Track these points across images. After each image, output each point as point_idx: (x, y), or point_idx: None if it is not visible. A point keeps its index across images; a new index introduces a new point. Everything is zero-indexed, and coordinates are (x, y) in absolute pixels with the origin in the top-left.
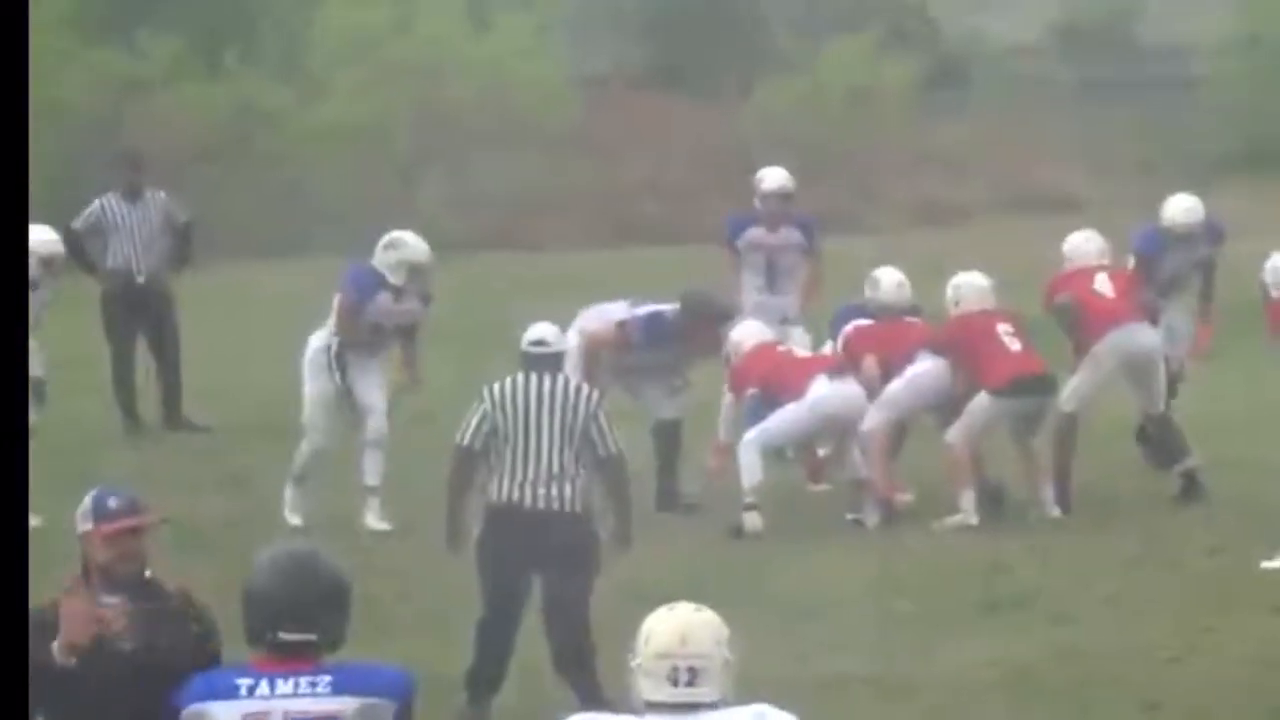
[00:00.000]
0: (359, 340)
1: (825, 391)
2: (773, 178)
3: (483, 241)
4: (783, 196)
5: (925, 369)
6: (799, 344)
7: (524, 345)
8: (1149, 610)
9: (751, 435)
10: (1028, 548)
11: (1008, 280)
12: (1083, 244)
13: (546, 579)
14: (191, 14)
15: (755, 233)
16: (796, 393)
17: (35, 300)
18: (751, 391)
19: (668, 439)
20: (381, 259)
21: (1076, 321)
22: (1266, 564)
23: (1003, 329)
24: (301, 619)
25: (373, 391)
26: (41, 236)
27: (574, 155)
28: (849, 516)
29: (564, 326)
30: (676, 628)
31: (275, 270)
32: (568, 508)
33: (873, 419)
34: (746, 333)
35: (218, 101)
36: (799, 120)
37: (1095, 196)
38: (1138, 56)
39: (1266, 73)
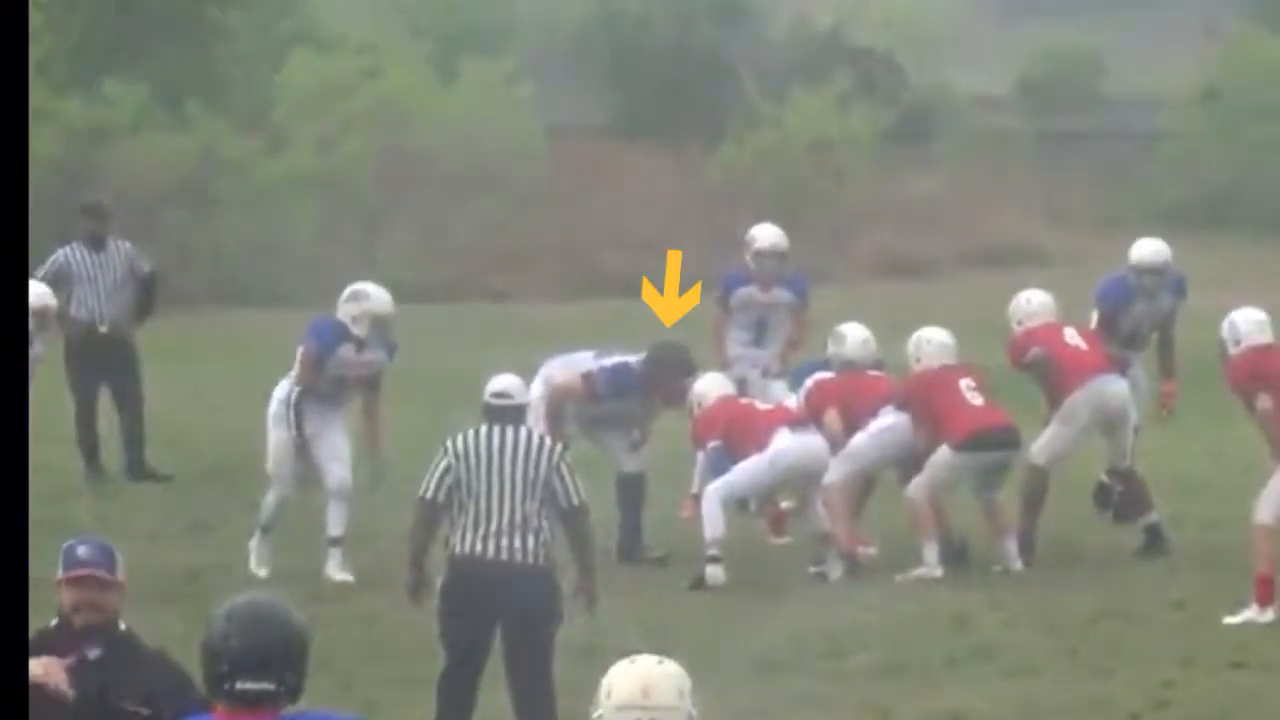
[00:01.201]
0: (321, 391)
1: (787, 444)
2: (765, 236)
3: (447, 291)
4: (776, 256)
5: (889, 423)
6: (780, 398)
7: (486, 397)
8: (1111, 664)
9: (715, 487)
10: (990, 601)
11: (973, 333)
12: (1028, 304)
13: (509, 630)
14: (157, 64)
15: (747, 291)
16: (758, 445)
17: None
18: (714, 444)
19: (630, 492)
20: (344, 310)
21: (1050, 375)
22: (1229, 619)
23: (965, 384)
24: (260, 669)
25: (336, 442)
26: (33, 290)
27: (539, 205)
28: (811, 569)
29: (528, 377)
30: (639, 680)
31: (239, 319)
32: (530, 559)
33: (836, 473)
34: (709, 385)
35: (183, 151)
36: (765, 172)
37: (1059, 249)
38: (1101, 109)
39: (1225, 127)
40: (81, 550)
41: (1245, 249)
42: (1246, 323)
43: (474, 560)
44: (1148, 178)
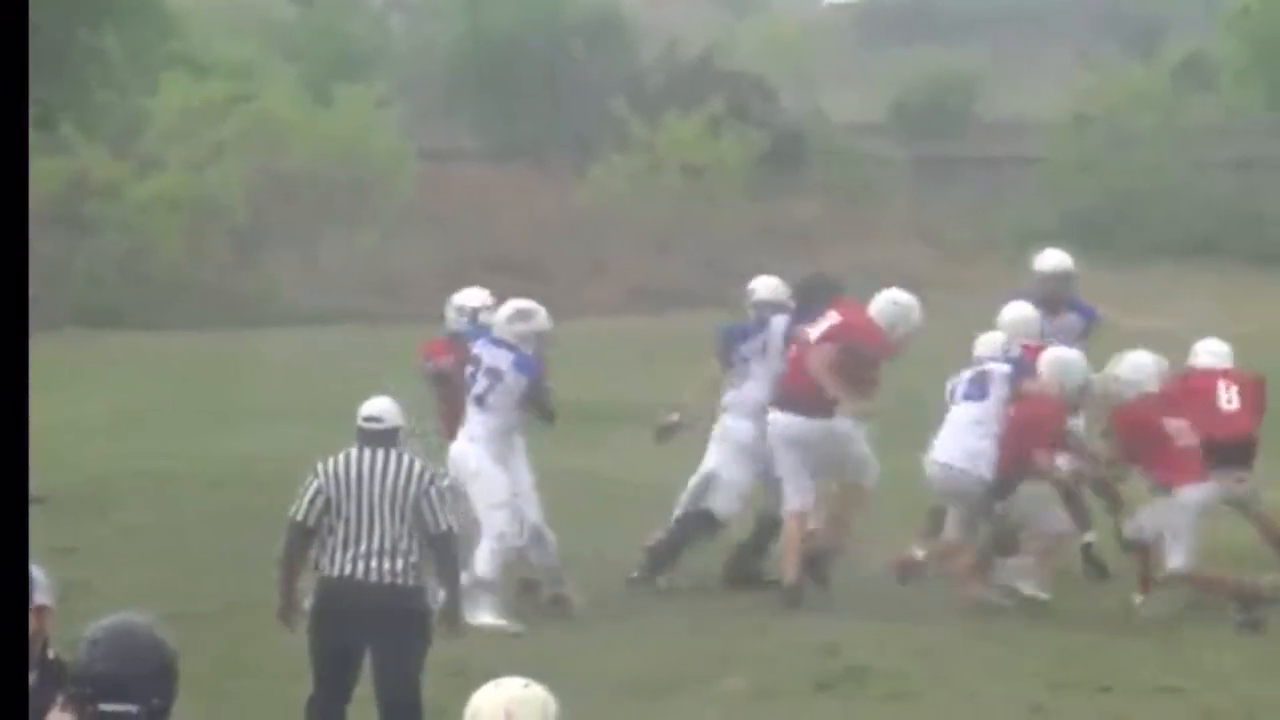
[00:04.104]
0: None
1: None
2: (765, 287)
3: (318, 314)
4: (777, 307)
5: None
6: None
7: (359, 421)
8: (981, 687)
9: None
10: (862, 626)
11: None
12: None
13: (378, 652)
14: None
15: (754, 345)
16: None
17: None
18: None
19: None
20: (512, 330)
21: None
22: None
23: None
24: (122, 692)
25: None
26: None
27: (411, 228)
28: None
29: (399, 400)
30: (503, 704)
31: (110, 341)
32: (400, 582)
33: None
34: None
35: (55, 173)
36: (637, 196)
37: (933, 274)
38: (974, 135)
39: (1093, 153)
40: None
41: (1115, 274)
42: (1204, 350)
43: (343, 582)
44: (1020, 203)
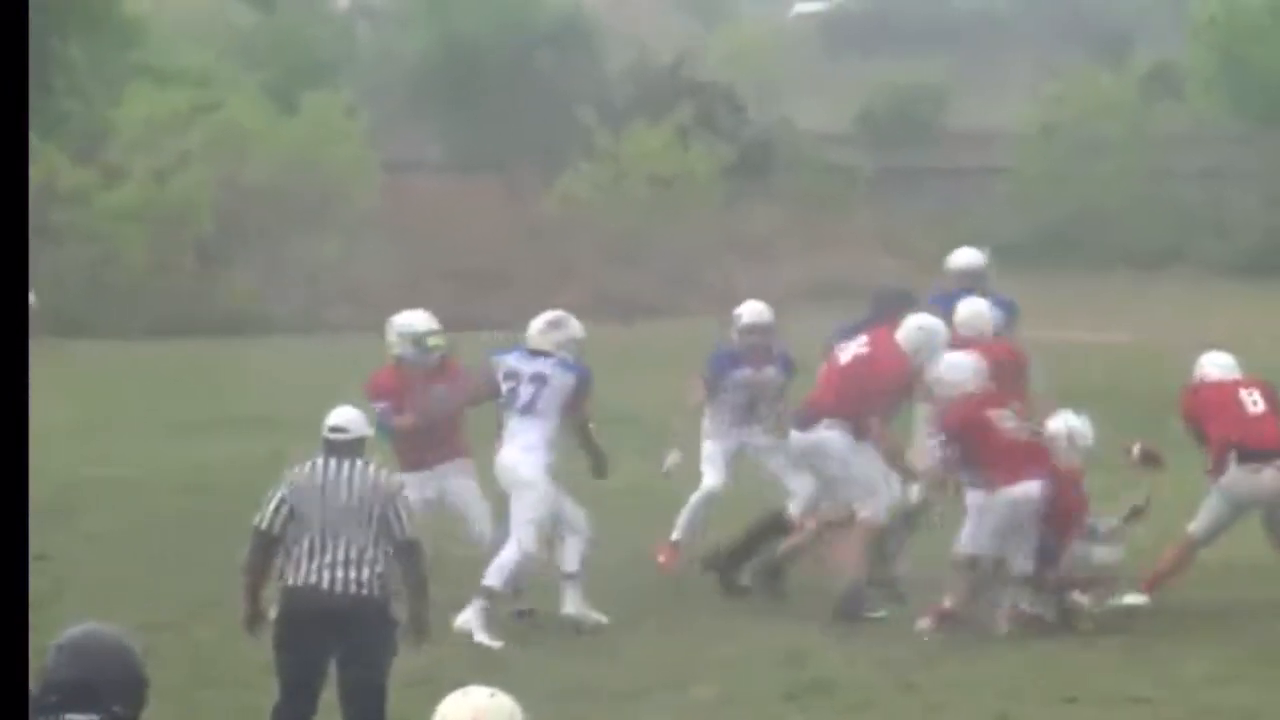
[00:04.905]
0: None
1: None
2: (752, 312)
3: (284, 323)
4: (764, 330)
5: None
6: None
7: (325, 431)
8: (947, 698)
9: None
10: (829, 635)
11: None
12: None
13: (344, 662)
14: None
15: (743, 373)
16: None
17: None
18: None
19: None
20: (547, 339)
21: None
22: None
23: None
24: (87, 701)
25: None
26: None
27: (376, 238)
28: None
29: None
30: (470, 713)
31: (76, 350)
32: (365, 591)
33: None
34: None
35: None
36: (604, 205)
37: (903, 285)
38: (940, 145)
39: (1059, 163)
40: None
41: (1080, 284)
42: (1209, 363)
43: (308, 592)
44: (987, 212)
